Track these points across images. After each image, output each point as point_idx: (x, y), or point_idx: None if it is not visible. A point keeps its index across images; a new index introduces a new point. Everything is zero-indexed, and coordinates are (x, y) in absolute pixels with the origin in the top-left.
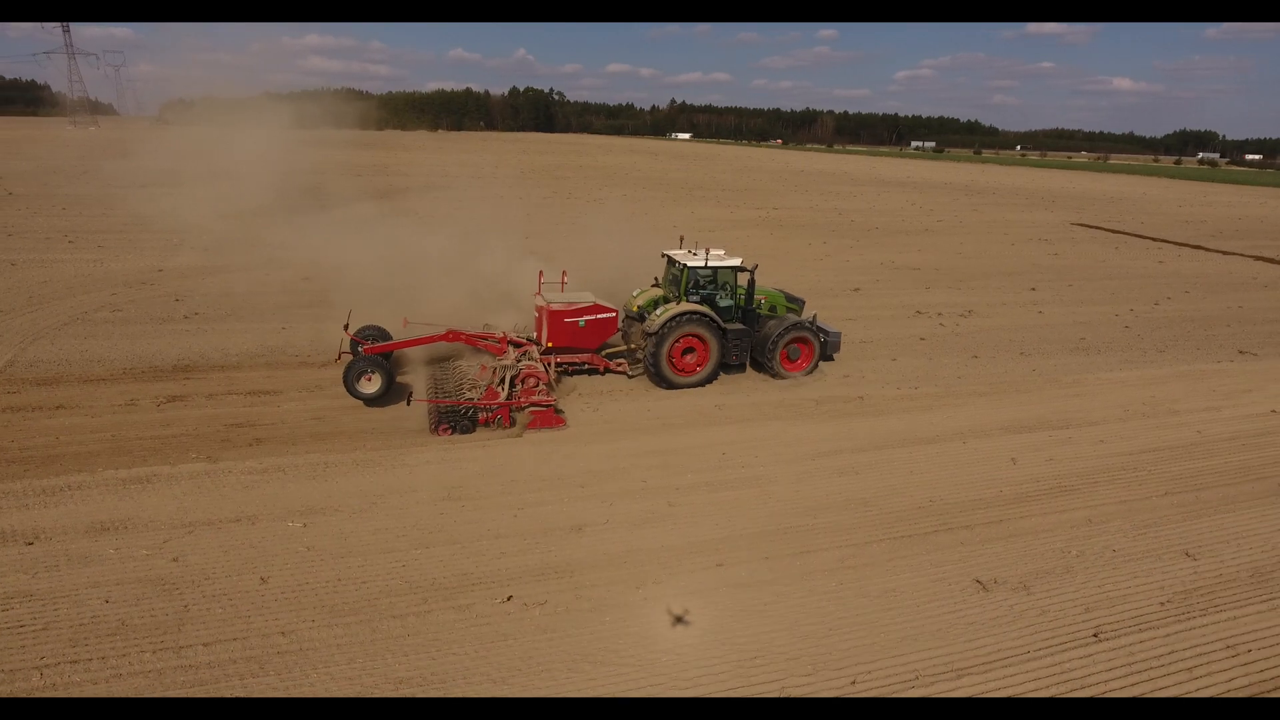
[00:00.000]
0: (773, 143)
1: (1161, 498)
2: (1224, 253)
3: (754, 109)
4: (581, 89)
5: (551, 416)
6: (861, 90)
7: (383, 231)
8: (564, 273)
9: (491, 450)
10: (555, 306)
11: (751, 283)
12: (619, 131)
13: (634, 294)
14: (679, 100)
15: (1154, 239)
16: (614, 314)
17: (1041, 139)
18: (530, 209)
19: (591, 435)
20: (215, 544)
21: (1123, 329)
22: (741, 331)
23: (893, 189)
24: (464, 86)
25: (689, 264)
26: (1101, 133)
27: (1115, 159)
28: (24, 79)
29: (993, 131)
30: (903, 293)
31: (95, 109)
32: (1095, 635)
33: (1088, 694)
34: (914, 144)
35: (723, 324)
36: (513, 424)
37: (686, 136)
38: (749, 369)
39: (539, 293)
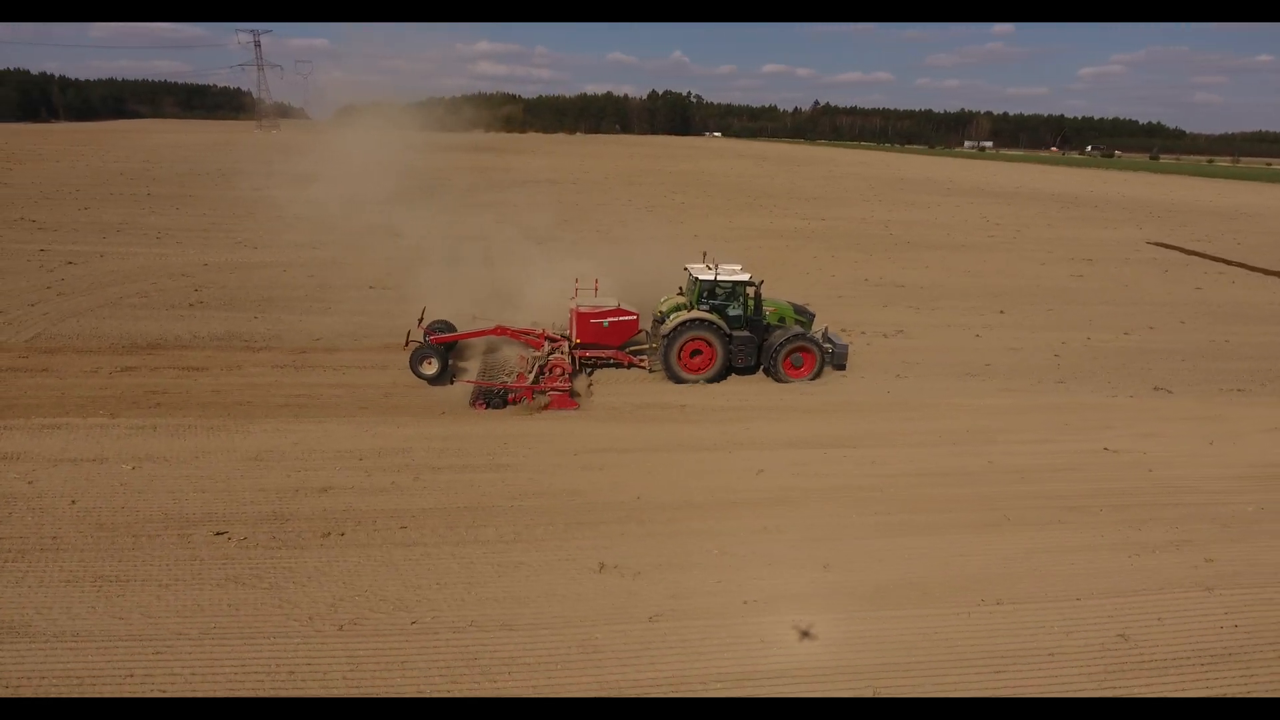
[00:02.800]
0: (915, 146)
1: (868, 517)
2: None
3: (904, 110)
4: (735, 90)
5: (566, 400)
6: (1038, 89)
7: (418, 235)
8: (596, 281)
9: (325, 426)
10: (582, 309)
11: (758, 295)
12: (756, 135)
13: (662, 300)
14: (822, 102)
15: (1230, 263)
16: (635, 317)
17: (1239, 143)
18: (579, 214)
19: (408, 418)
20: (63, 475)
21: (1051, 357)
22: (746, 338)
23: (981, 200)
24: (605, 90)
25: (700, 277)
26: None
27: None
28: (231, 87)
29: (1179, 135)
30: (852, 311)
31: (287, 113)
32: (651, 619)
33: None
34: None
35: (729, 331)
36: (536, 403)
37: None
38: (762, 373)
39: (575, 296)
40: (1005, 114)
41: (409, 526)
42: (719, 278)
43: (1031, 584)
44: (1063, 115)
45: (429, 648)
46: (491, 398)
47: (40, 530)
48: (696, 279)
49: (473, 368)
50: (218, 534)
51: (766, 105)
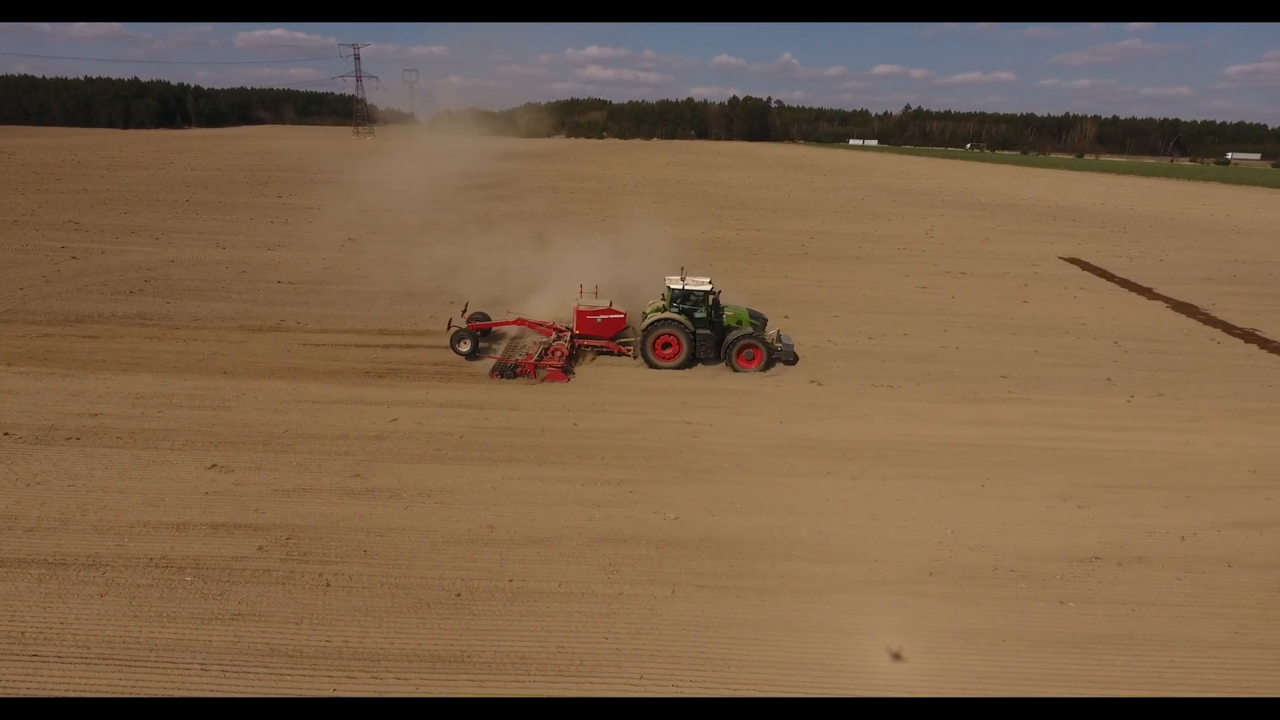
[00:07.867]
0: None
1: (424, 450)
2: (1152, 298)
3: (1004, 114)
4: (844, 92)
5: (559, 374)
6: (1179, 88)
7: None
8: (596, 287)
9: (137, 377)
10: (582, 308)
11: (716, 301)
12: (841, 139)
13: (648, 304)
14: (914, 106)
15: (1113, 279)
16: (623, 315)
17: None
18: (546, 220)
19: (196, 375)
20: None
21: None
22: (706, 336)
23: (949, 212)
24: (707, 93)
25: (671, 286)
26: None
27: None
28: (346, 95)
29: None
30: None
31: (394, 119)
32: (206, 494)
33: (195, 517)
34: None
35: (694, 329)
36: (536, 376)
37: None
38: (723, 364)
39: (579, 297)
40: (1115, 118)
41: (123, 438)
42: (686, 287)
43: (489, 496)
44: (1178, 119)
45: (66, 494)
46: (505, 370)
47: None
48: (669, 287)
49: (499, 347)
50: (5, 434)
51: (858, 110)
